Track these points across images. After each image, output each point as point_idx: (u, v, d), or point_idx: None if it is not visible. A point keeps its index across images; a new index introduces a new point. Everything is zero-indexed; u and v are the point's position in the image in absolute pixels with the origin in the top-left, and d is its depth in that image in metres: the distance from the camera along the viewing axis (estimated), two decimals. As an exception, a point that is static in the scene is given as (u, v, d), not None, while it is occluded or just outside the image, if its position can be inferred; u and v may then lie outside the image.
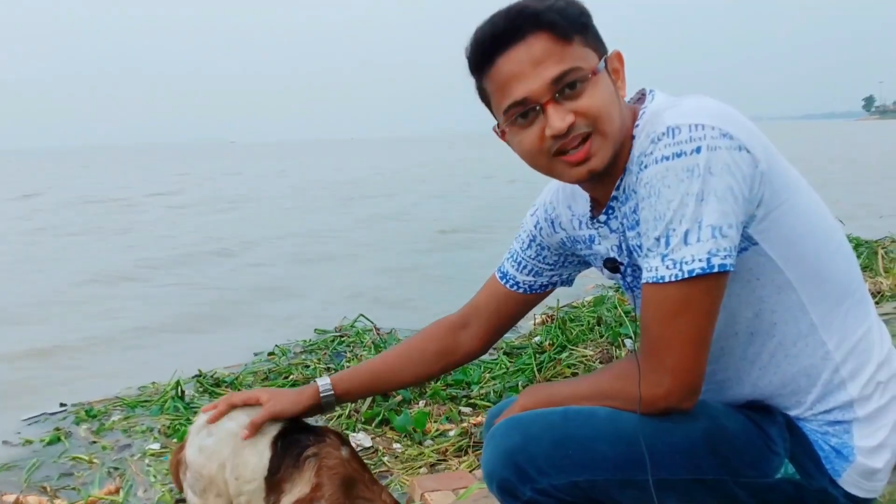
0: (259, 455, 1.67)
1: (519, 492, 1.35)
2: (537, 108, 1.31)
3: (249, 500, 1.68)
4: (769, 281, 1.30)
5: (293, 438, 1.69)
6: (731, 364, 1.39)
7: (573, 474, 1.33)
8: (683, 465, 1.32)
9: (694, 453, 1.32)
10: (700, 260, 1.20)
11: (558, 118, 1.29)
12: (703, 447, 1.32)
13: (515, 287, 1.69)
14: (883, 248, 6.72)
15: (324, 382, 1.74)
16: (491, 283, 1.74)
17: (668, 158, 1.22)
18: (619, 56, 1.36)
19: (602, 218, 1.44)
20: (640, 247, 1.33)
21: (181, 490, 1.81)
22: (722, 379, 1.41)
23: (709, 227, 1.20)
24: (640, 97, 1.42)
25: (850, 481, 1.34)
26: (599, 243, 1.50)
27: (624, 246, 1.43)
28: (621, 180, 1.37)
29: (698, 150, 1.20)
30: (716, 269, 1.20)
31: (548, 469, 1.33)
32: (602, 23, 1.38)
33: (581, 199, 1.53)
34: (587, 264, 1.65)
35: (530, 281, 1.69)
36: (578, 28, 1.31)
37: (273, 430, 1.70)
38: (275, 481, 1.66)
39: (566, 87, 1.29)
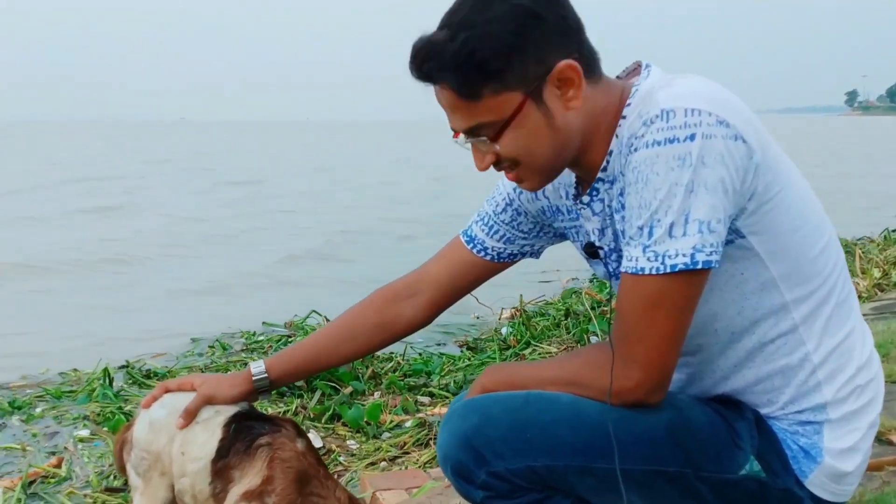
0: (210, 434, 1.60)
1: (473, 475, 1.30)
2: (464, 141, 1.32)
3: (192, 484, 1.60)
4: (753, 276, 1.26)
5: (247, 424, 1.61)
6: (705, 359, 1.35)
7: (531, 459, 1.28)
8: (645, 456, 1.28)
9: (657, 444, 1.28)
10: (684, 255, 1.16)
11: (478, 159, 1.32)
12: (667, 439, 1.28)
13: (482, 253, 1.59)
14: (861, 248, 6.67)
15: (257, 367, 1.65)
16: (453, 248, 1.63)
17: (659, 143, 1.16)
18: (570, 67, 1.24)
19: (585, 199, 1.38)
20: (623, 232, 1.28)
21: (122, 472, 1.73)
22: (694, 372, 1.38)
23: (696, 222, 1.15)
24: (635, 69, 1.35)
25: (816, 483, 1.31)
26: (583, 223, 1.44)
27: (609, 230, 1.37)
28: (608, 162, 1.31)
29: (692, 137, 1.14)
30: (700, 266, 1.16)
31: (505, 452, 1.28)
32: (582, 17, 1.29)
33: (567, 170, 1.46)
34: (562, 237, 1.57)
35: (500, 248, 1.59)
36: (488, 77, 1.22)
37: (228, 413, 1.62)
38: (222, 466, 1.58)
39: (480, 135, 1.28)
